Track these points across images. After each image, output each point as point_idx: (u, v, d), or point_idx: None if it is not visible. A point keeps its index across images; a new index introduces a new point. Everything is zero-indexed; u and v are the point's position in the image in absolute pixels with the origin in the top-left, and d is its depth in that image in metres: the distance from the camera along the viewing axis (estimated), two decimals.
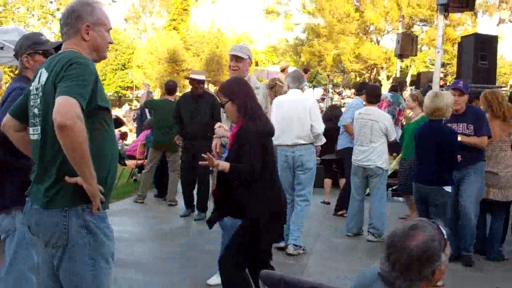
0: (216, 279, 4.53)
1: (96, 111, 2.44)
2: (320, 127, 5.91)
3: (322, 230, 7.13)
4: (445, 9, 8.80)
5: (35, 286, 3.20)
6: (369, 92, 6.86)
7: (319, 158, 10.26)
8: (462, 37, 10.35)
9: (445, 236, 2.02)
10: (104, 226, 2.51)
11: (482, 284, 5.07)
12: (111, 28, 2.65)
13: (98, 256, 2.48)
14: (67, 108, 2.23)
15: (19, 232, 3.13)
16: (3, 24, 23.33)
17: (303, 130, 5.83)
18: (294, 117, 5.84)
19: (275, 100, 6.19)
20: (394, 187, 9.10)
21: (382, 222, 6.51)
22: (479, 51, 8.95)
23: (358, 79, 32.18)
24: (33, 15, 28.27)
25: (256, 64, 38.11)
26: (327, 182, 8.96)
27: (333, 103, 14.21)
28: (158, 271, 5.11)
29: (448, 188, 5.10)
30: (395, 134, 6.65)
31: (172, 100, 8.47)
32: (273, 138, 5.92)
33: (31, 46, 3.31)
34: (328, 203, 8.60)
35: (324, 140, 6.08)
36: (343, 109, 9.78)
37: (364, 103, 7.48)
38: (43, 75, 2.48)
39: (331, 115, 8.67)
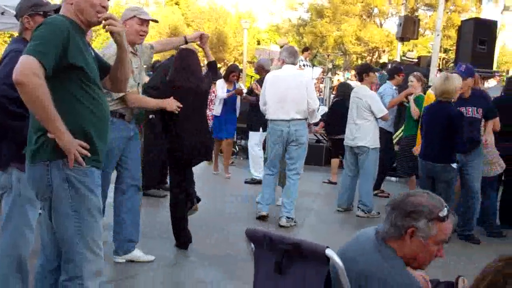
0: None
1: (68, 69, 2.53)
2: (315, 103, 6.01)
3: (314, 205, 7.27)
4: None
5: (30, 241, 3.30)
6: (356, 70, 7.02)
7: (327, 137, 10.34)
8: (462, 21, 10.35)
9: (442, 217, 2.11)
10: (87, 181, 2.60)
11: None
12: None
13: (81, 209, 2.59)
14: (23, 66, 2.37)
15: (15, 189, 3.20)
16: None
17: (300, 105, 5.91)
18: (291, 92, 5.90)
19: (269, 75, 6.27)
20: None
21: (370, 198, 6.66)
22: (478, 36, 8.96)
23: (359, 61, 32.07)
24: None
25: (258, 43, 37.94)
26: (335, 161, 8.97)
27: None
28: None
29: (454, 165, 5.27)
30: (382, 111, 6.62)
31: None
32: (268, 113, 6.08)
33: (31, 8, 3.35)
34: (335, 183, 8.63)
35: (319, 117, 6.19)
36: None
37: (394, 87, 7.68)
38: None
39: (342, 94, 8.62)
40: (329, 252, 1.99)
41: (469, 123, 5.56)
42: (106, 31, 2.72)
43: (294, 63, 6.11)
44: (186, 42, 4.76)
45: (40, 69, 2.38)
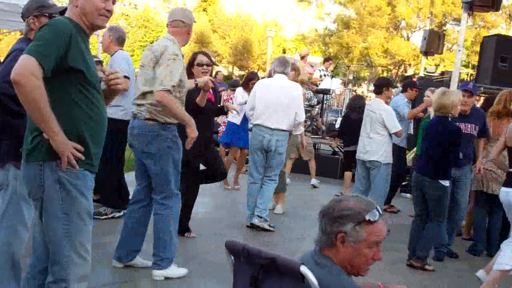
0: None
1: (68, 71, 2.54)
2: (302, 116, 6.10)
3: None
4: (470, 8, 8.66)
5: (24, 239, 3.33)
6: (377, 82, 6.94)
7: (342, 150, 10.26)
8: (484, 37, 10.13)
9: (370, 220, 2.07)
10: (79, 184, 2.60)
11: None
12: None
13: (71, 212, 2.59)
14: (22, 66, 2.38)
15: (11, 186, 3.24)
16: None
17: (287, 116, 6.00)
18: (280, 102, 5.98)
19: (260, 82, 6.38)
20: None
21: None
22: (500, 53, 8.75)
23: (385, 74, 31.83)
24: None
25: (284, 52, 37.98)
26: (348, 174, 8.83)
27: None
28: None
29: (445, 182, 5.17)
30: (396, 127, 6.41)
31: None
32: (254, 117, 6.13)
33: (38, 9, 3.40)
34: None
35: (302, 129, 6.25)
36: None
37: (406, 100, 7.64)
38: None
39: (356, 106, 8.56)
40: (303, 269, 1.94)
41: (466, 140, 5.64)
42: (112, 90, 2.83)
43: (284, 73, 6.15)
44: (197, 86, 4.85)
45: (38, 70, 2.39)
